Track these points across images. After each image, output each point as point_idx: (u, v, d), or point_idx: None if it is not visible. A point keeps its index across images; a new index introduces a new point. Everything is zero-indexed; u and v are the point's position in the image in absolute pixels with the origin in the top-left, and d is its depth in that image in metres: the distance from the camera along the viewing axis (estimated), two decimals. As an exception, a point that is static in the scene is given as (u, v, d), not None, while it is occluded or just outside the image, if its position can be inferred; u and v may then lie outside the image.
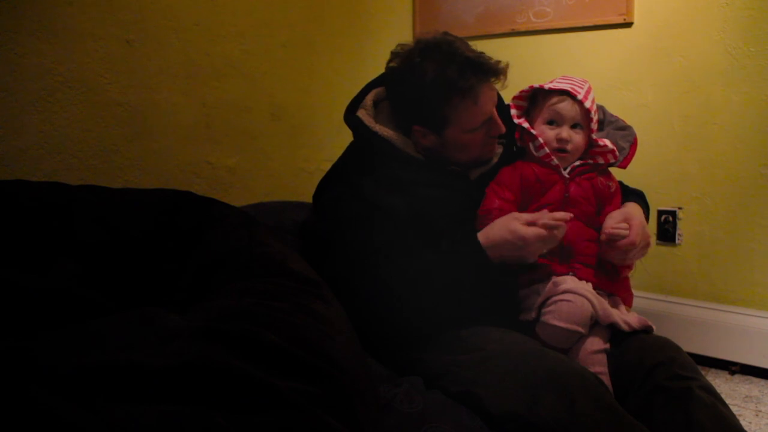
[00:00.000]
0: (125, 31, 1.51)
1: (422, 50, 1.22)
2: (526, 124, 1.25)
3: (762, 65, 1.84)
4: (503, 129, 1.26)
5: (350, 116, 1.29)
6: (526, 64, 2.18)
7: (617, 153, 1.25)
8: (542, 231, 1.09)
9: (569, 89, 1.22)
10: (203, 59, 1.71)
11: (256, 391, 0.61)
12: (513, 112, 1.28)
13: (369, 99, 1.31)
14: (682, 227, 2.01)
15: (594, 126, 1.25)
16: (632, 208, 1.25)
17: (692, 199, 1.99)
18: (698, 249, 2.00)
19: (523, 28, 2.20)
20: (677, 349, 1.11)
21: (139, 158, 1.56)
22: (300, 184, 2.02)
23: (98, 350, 0.63)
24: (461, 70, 1.18)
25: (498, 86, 1.26)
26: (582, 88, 1.23)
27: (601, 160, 1.25)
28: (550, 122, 1.24)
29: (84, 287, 0.84)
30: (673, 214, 2.01)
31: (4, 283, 0.77)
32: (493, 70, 1.21)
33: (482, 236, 1.14)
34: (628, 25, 2.03)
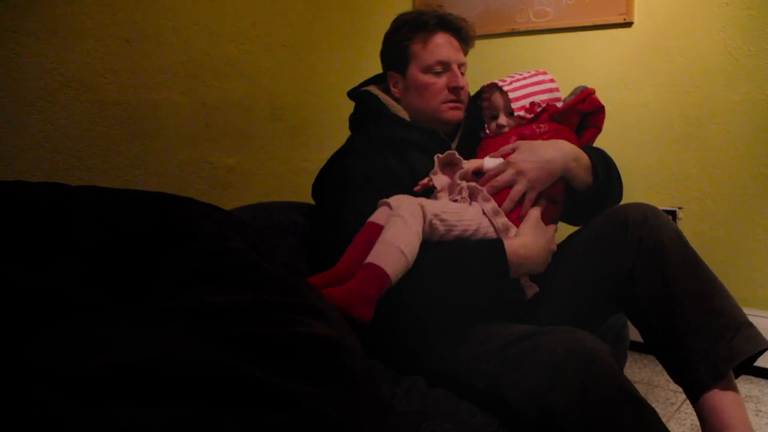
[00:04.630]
0: (125, 30, 1.51)
1: (406, 12, 1.43)
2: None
3: (762, 65, 1.84)
4: (461, 81, 1.36)
5: (355, 91, 1.44)
6: (526, 64, 2.18)
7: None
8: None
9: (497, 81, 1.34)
10: (203, 59, 1.71)
11: (261, 392, 0.61)
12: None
13: (371, 87, 1.45)
14: (682, 227, 2.01)
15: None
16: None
17: (692, 199, 1.99)
18: (698, 249, 1.99)
19: (523, 28, 2.20)
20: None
21: (139, 158, 1.56)
22: (300, 184, 2.02)
23: (101, 351, 0.63)
24: (423, 14, 1.37)
25: (463, 46, 1.39)
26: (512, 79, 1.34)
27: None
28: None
29: (84, 287, 0.84)
30: (673, 214, 2.02)
31: (4, 283, 0.77)
32: (451, 23, 1.36)
33: (514, 250, 1.14)
34: (628, 25, 2.03)
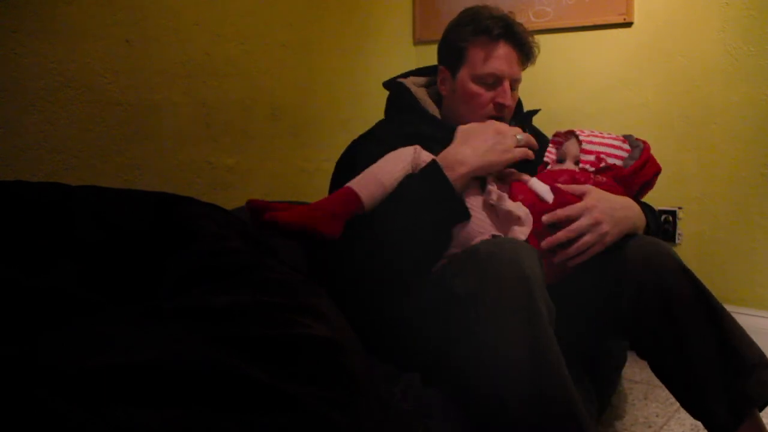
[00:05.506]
0: (125, 31, 1.51)
1: (477, 6, 1.36)
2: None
3: (762, 65, 1.84)
4: (509, 100, 1.30)
5: (390, 82, 1.40)
6: (526, 64, 2.18)
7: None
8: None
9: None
10: (203, 59, 1.71)
11: (261, 393, 0.61)
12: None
13: (409, 79, 1.41)
14: (682, 227, 2.01)
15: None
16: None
17: (692, 199, 1.99)
18: (698, 249, 2.00)
19: (523, 28, 2.19)
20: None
21: (139, 158, 1.56)
22: (300, 184, 2.02)
23: (101, 351, 0.63)
24: (490, 17, 1.30)
25: (522, 62, 1.34)
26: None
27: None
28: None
29: (84, 287, 0.84)
30: (673, 214, 2.02)
31: (4, 283, 0.77)
32: (517, 36, 1.30)
33: (444, 154, 1.16)
34: (628, 25, 2.03)
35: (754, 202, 1.89)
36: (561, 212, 1.13)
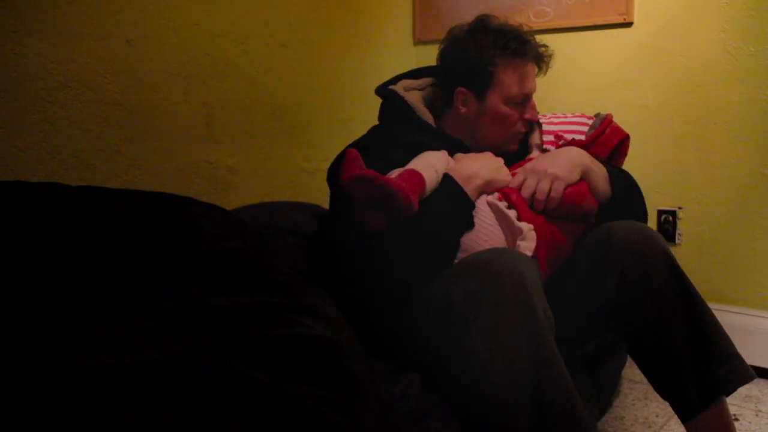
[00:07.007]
0: (125, 31, 1.51)
1: (480, 21, 1.35)
2: None
3: (762, 65, 1.84)
4: (536, 116, 1.34)
5: (382, 89, 1.39)
6: (526, 64, 2.18)
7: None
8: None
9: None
10: (203, 59, 1.71)
11: (261, 394, 0.61)
12: None
13: (401, 84, 1.40)
14: (682, 227, 2.01)
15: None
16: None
17: (692, 199, 1.99)
18: (698, 249, 2.00)
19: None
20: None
21: (139, 158, 1.56)
22: (300, 184, 2.02)
23: (101, 351, 0.63)
24: (519, 38, 1.31)
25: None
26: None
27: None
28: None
29: (84, 287, 0.84)
30: (673, 214, 2.02)
31: (4, 283, 0.77)
32: (543, 58, 1.34)
33: (458, 171, 1.20)
34: (628, 25, 2.03)
35: (754, 202, 1.89)
36: (512, 183, 1.23)
